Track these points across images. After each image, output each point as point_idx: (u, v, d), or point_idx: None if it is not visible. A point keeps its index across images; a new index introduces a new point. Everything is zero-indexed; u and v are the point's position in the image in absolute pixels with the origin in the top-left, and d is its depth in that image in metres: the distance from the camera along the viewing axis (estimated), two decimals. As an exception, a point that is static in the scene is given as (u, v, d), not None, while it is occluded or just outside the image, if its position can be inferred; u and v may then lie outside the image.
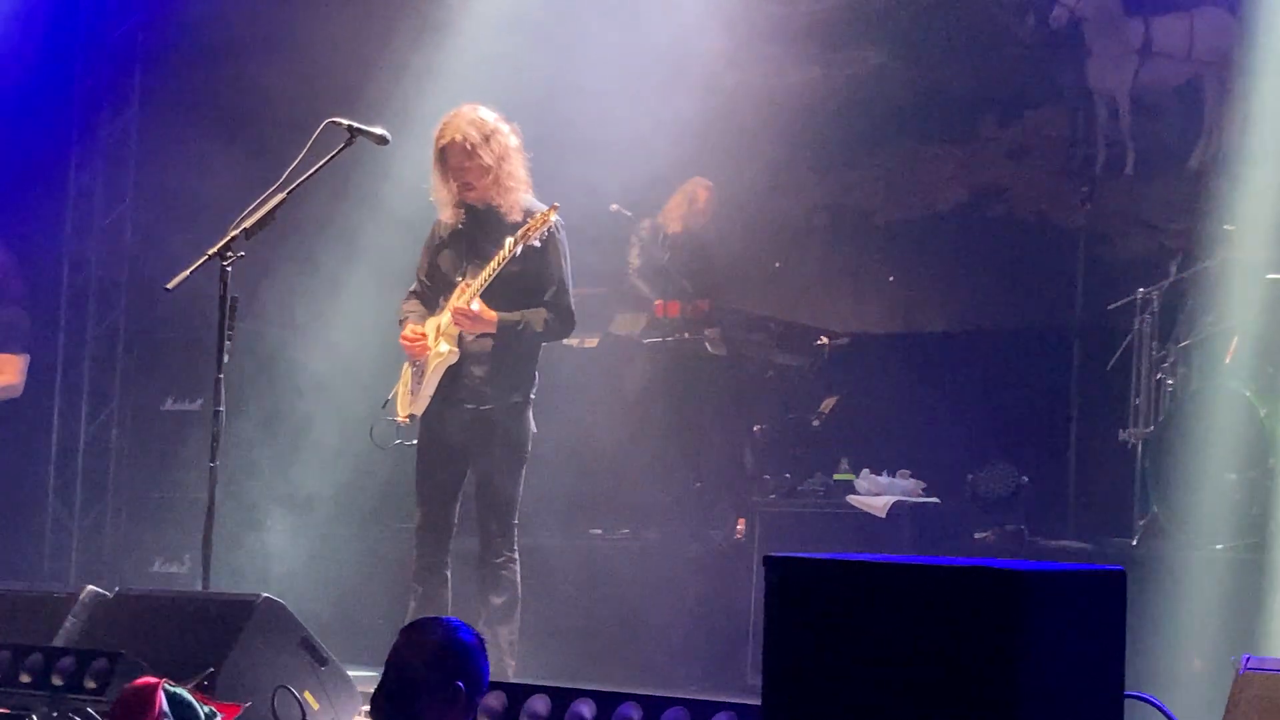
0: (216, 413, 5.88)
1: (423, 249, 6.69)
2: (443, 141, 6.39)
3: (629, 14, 9.14)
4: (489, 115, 6.45)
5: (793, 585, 3.23)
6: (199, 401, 9.35)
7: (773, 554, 3.27)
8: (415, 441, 6.53)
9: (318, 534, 8.58)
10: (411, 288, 6.69)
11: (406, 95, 8.48)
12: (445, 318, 6.43)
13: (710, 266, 9.43)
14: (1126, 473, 7.66)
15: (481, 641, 4.06)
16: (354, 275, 8.83)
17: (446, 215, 6.57)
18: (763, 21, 9.51)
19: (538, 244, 6.36)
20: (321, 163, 6.12)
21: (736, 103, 9.43)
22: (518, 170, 6.47)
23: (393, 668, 4.01)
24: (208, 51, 10.10)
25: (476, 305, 6.30)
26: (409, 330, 6.50)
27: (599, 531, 8.42)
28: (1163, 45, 9.38)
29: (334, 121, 6.19)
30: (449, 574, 6.55)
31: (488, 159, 6.37)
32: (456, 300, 6.35)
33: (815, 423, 8.52)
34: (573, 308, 6.54)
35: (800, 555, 3.27)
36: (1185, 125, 9.21)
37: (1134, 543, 7.42)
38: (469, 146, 6.34)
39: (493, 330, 6.35)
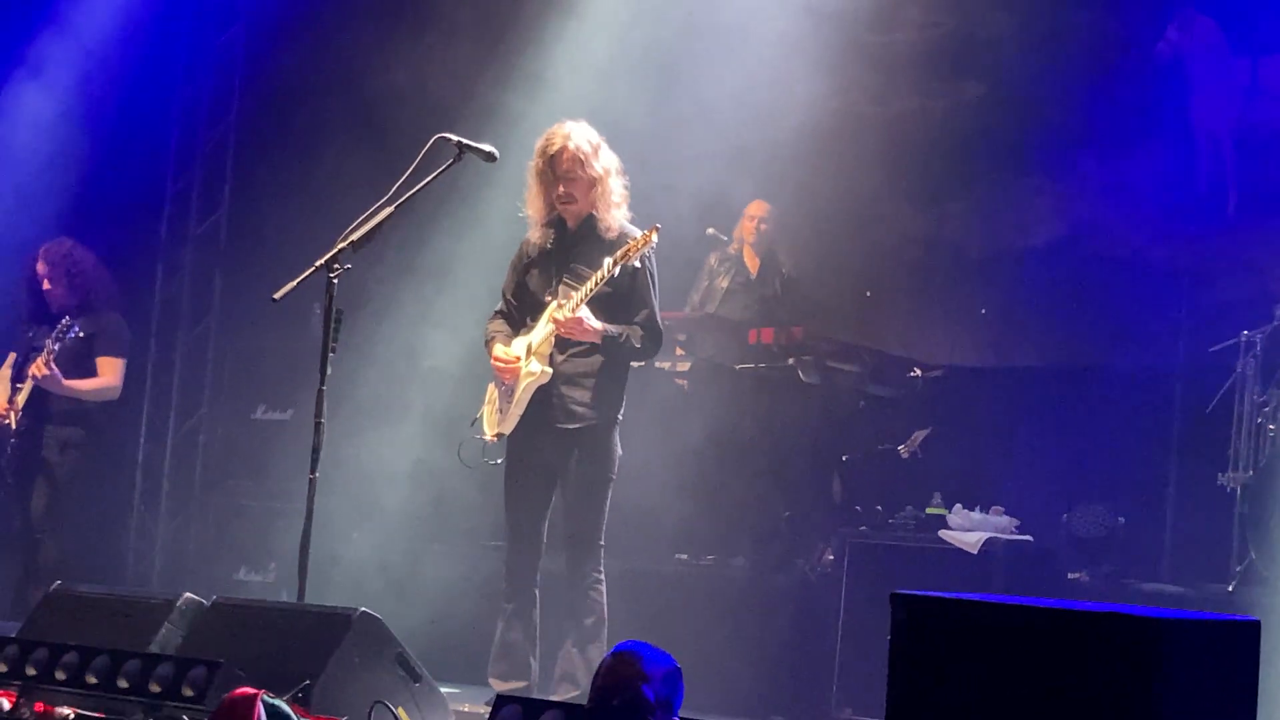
0: (318, 424, 5.85)
1: (509, 268, 6.67)
2: (553, 149, 6.37)
3: (728, 38, 9.12)
4: (595, 133, 6.45)
5: (919, 623, 3.18)
6: (290, 411, 9.39)
7: (900, 590, 3.23)
8: (500, 461, 6.51)
9: (409, 550, 8.57)
10: (497, 308, 6.67)
11: (512, 106, 8.48)
12: (535, 337, 6.40)
13: (801, 293, 9.40)
14: (1224, 517, 7.53)
15: (678, 670, 4.12)
16: (451, 290, 8.83)
17: (535, 234, 6.55)
18: (861, 50, 9.43)
19: (637, 264, 6.33)
20: (429, 178, 6.10)
21: (832, 131, 9.36)
22: (619, 189, 6.46)
23: (595, 693, 4.10)
24: (308, 60, 10.15)
25: (584, 312, 6.27)
26: (499, 351, 6.47)
27: (685, 557, 8.37)
28: (1269, 85, 9.24)
29: (443, 137, 6.17)
30: (538, 593, 6.54)
31: (596, 170, 6.36)
32: (555, 312, 6.32)
33: (906, 455, 8.42)
34: (662, 328, 6.51)
35: (928, 594, 3.22)
36: (1290, 167, 9.06)
37: (1230, 589, 7.29)
38: (581, 156, 6.33)
39: (597, 340, 6.32)
